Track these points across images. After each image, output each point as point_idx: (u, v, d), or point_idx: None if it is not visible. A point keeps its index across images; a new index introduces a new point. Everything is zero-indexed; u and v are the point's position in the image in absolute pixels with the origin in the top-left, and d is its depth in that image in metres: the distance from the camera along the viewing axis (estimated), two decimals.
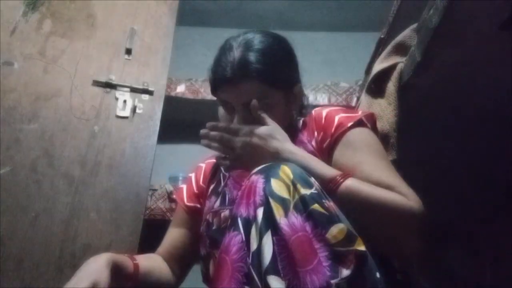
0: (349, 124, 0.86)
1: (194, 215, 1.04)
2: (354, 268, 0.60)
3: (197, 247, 0.98)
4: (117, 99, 1.53)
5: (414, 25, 0.93)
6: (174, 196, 1.12)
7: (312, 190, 0.66)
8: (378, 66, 1.07)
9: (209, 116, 0.96)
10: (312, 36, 2.42)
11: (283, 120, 0.91)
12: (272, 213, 0.62)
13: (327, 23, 2.44)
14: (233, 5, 2.40)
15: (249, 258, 0.61)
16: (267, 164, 0.71)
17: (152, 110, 1.56)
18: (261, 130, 0.83)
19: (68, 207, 1.35)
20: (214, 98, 0.96)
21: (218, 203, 0.97)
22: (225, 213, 0.92)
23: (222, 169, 1.04)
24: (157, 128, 1.53)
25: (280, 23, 2.42)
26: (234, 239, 0.64)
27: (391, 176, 0.79)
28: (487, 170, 1.21)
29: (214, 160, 1.10)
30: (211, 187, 1.04)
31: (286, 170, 0.67)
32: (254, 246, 0.62)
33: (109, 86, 1.54)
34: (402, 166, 0.88)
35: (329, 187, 0.74)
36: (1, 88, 1.43)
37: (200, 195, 1.06)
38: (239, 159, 0.83)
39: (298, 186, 0.65)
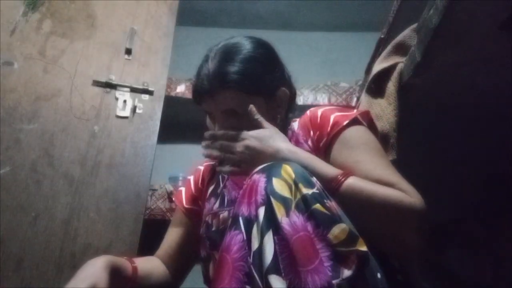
0: (345, 123, 0.86)
1: (192, 217, 1.04)
2: (356, 269, 0.60)
3: (197, 248, 0.98)
4: (117, 99, 1.53)
5: (414, 25, 0.93)
6: (174, 198, 1.12)
7: (314, 190, 0.65)
8: (378, 66, 1.07)
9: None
10: (312, 36, 2.42)
11: None
12: (273, 212, 0.62)
13: (327, 23, 2.44)
14: (233, 5, 2.39)
15: (250, 258, 0.61)
16: (268, 163, 0.71)
17: (152, 110, 1.56)
18: (259, 132, 0.84)
19: (68, 207, 1.35)
20: None
21: (217, 204, 0.97)
22: (224, 214, 0.92)
23: (217, 170, 1.04)
24: (157, 128, 1.54)
25: (280, 23, 2.42)
26: (235, 238, 0.64)
27: (391, 174, 0.79)
28: (487, 170, 1.21)
29: (213, 162, 1.10)
30: (210, 188, 1.05)
31: (287, 169, 0.67)
32: (255, 245, 0.62)
33: (109, 86, 1.54)
34: (402, 166, 0.88)
35: (330, 186, 0.74)
36: (1, 88, 1.43)
37: (199, 198, 1.07)
38: (241, 163, 0.82)
39: (300, 185, 0.65)
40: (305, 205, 0.63)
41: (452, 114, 1.02)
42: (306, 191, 0.65)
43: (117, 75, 1.56)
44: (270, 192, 0.64)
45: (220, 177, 1.03)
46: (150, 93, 1.57)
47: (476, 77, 0.88)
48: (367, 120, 0.92)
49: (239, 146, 0.82)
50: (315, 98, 1.91)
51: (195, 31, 2.46)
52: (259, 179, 0.67)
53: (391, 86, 0.99)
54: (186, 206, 1.06)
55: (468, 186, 1.27)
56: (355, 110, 0.92)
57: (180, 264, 1.02)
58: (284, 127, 0.99)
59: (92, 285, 0.73)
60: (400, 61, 0.99)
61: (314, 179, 0.69)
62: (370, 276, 0.62)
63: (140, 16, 1.67)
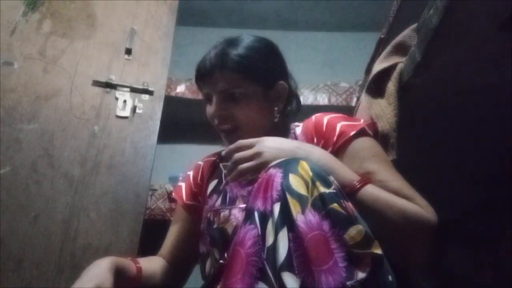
0: (352, 133, 0.85)
1: (193, 213, 1.05)
2: (370, 271, 0.59)
3: (197, 244, 0.98)
4: (117, 99, 1.53)
5: (414, 25, 0.93)
6: (173, 194, 1.11)
7: (331, 189, 0.65)
8: (378, 66, 1.06)
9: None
10: (312, 36, 2.42)
11: (260, 115, 0.93)
12: (288, 209, 0.61)
13: (327, 23, 2.44)
14: (233, 5, 2.39)
15: (263, 253, 0.60)
16: (285, 159, 0.70)
17: (152, 110, 1.56)
18: (268, 137, 0.83)
19: (68, 207, 1.35)
20: None
21: (219, 201, 0.97)
22: (225, 213, 0.92)
23: (222, 167, 1.04)
24: (157, 128, 1.54)
25: (280, 23, 2.42)
26: (249, 233, 0.63)
27: (407, 187, 0.79)
28: (487, 170, 1.21)
29: (213, 158, 1.11)
30: (212, 185, 1.04)
31: (304, 166, 0.66)
32: (269, 241, 0.61)
33: (109, 86, 1.54)
34: (402, 166, 0.88)
35: (348, 189, 0.74)
36: (1, 88, 1.43)
37: (199, 193, 1.07)
38: (260, 166, 0.78)
39: (318, 183, 0.64)
40: (322, 204, 0.62)
41: (452, 114, 1.02)
42: (323, 189, 0.64)
43: (117, 75, 1.56)
44: (286, 188, 0.63)
45: (223, 174, 1.02)
46: (150, 93, 1.57)
47: (476, 77, 0.88)
48: (373, 130, 0.92)
49: (251, 151, 0.79)
50: (315, 98, 1.91)
51: (195, 31, 2.46)
52: (275, 174, 0.66)
53: (391, 86, 0.99)
54: (187, 202, 1.06)
55: (468, 186, 1.27)
56: (362, 120, 0.92)
57: (183, 262, 1.03)
58: (283, 121, 0.99)
59: (97, 286, 0.73)
60: (400, 61, 0.99)
61: (331, 178, 0.68)
62: (382, 279, 0.62)
63: (140, 16, 1.68)
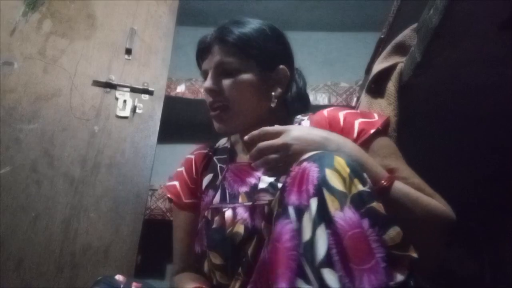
0: (372, 131, 0.85)
1: (195, 211, 1.00)
2: (407, 274, 0.58)
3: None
4: (117, 99, 1.53)
5: (414, 25, 0.93)
6: (168, 195, 1.05)
7: (366, 188, 0.62)
8: (378, 66, 1.06)
9: (209, 116, 0.95)
10: (312, 36, 2.41)
11: (254, 96, 0.91)
12: (326, 205, 0.59)
13: (327, 23, 2.44)
14: (233, 5, 2.39)
15: (300, 248, 0.58)
16: (318, 152, 0.67)
17: (152, 110, 1.56)
18: (293, 126, 0.79)
19: (68, 207, 1.35)
20: None
21: (217, 198, 0.93)
22: (228, 213, 0.88)
23: (217, 161, 1.01)
24: (157, 128, 1.54)
25: (280, 23, 2.41)
26: (285, 227, 0.61)
27: (427, 185, 0.80)
28: (487, 170, 1.21)
29: (205, 151, 1.07)
30: (207, 180, 1.00)
31: (341, 162, 0.63)
32: (306, 236, 0.58)
33: (109, 86, 1.54)
34: None
35: (379, 185, 0.72)
36: (1, 88, 1.43)
37: (197, 189, 1.02)
38: (287, 159, 0.74)
39: (356, 180, 0.62)
40: (361, 202, 0.60)
41: (452, 114, 1.02)
42: (362, 187, 0.62)
43: (117, 75, 1.56)
44: (323, 183, 0.61)
45: (219, 167, 0.99)
46: (150, 93, 1.57)
47: (476, 77, 0.88)
48: (385, 125, 0.90)
49: (277, 145, 0.74)
50: (315, 98, 1.91)
51: (195, 31, 2.45)
52: (310, 167, 0.63)
53: (391, 86, 0.99)
54: (186, 200, 1.01)
55: (468, 186, 1.27)
56: (377, 116, 0.90)
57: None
58: (283, 110, 0.98)
59: None
60: (400, 61, 0.99)
61: (365, 175, 0.65)
62: (415, 283, 0.61)
63: (140, 16, 1.68)
